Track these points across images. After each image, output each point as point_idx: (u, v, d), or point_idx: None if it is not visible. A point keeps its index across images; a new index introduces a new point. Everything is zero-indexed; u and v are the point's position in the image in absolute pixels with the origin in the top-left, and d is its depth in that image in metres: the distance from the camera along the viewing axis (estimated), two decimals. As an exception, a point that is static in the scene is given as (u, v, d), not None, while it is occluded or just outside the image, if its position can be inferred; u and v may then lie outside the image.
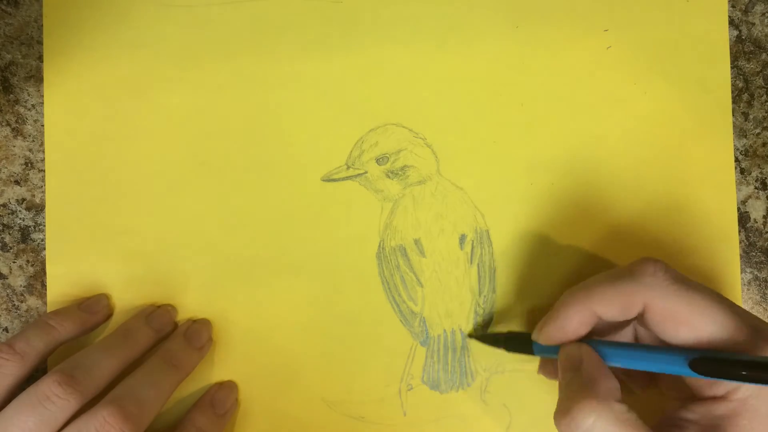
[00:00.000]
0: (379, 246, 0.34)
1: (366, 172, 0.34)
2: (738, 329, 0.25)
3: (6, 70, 0.35)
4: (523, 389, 0.33)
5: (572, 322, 0.28)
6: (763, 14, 0.35)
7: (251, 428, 0.34)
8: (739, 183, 0.34)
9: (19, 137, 0.35)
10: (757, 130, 0.34)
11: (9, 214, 0.35)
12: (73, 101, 0.34)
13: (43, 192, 0.35)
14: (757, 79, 0.34)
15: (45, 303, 0.34)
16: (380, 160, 0.34)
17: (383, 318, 0.34)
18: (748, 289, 0.34)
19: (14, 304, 0.35)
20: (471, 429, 0.34)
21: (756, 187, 0.34)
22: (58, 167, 0.34)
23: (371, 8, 0.34)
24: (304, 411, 0.34)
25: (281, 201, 0.34)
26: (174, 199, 0.34)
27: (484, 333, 0.34)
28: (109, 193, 0.34)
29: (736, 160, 0.34)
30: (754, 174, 0.34)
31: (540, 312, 0.33)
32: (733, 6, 0.34)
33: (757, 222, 0.34)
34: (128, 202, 0.34)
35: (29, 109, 0.35)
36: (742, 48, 0.35)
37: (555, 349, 0.29)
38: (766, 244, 0.34)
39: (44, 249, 0.35)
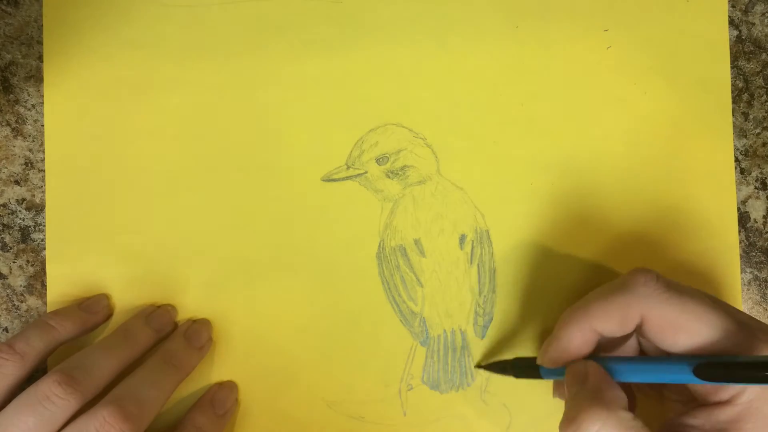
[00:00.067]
0: (379, 246, 0.34)
1: (366, 172, 0.34)
2: (734, 331, 0.25)
3: (6, 70, 0.35)
4: (523, 389, 0.33)
5: (574, 341, 0.28)
6: (763, 14, 0.35)
7: (251, 428, 0.34)
8: (739, 183, 0.34)
9: (19, 137, 0.35)
10: (757, 130, 0.34)
11: (9, 214, 0.35)
12: (73, 101, 0.34)
13: (43, 192, 0.35)
14: (757, 79, 0.34)
15: (45, 303, 0.34)
16: (380, 160, 0.34)
17: (383, 318, 0.34)
18: (748, 289, 0.34)
19: (14, 304, 0.35)
20: (471, 429, 0.34)
21: (756, 187, 0.34)
22: (58, 167, 0.34)
23: (371, 8, 0.34)
24: (304, 411, 0.34)
25: (281, 201, 0.34)
26: (174, 199, 0.34)
27: (491, 362, 0.33)
28: (109, 193, 0.34)
29: (736, 160, 0.34)
30: (754, 174, 0.34)
31: (540, 311, 0.33)
32: (733, 6, 0.34)
33: (757, 222, 0.34)
34: (128, 202, 0.34)
35: (29, 109, 0.35)
36: (742, 48, 0.35)
37: (562, 371, 0.29)
38: (766, 244, 0.34)
39: (44, 249, 0.35)
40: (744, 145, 0.34)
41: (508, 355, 0.33)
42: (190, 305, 0.34)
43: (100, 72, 0.35)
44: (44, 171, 0.35)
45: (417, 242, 0.34)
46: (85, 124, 0.34)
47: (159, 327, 0.33)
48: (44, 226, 0.34)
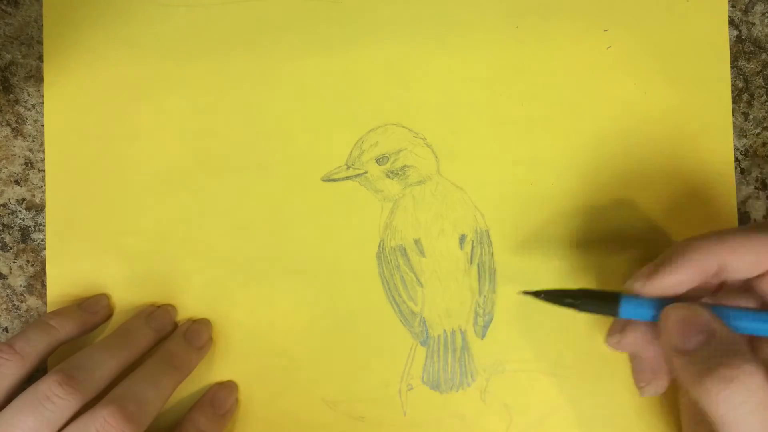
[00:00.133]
0: (379, 246, 0.34)
1: (366, 172, 0.34)
2: None
3: (6, 70, 0.35)
4: (523, 389, 0.33)
5: (693, 269, 0.25)
6: (763, 14, 0.35)
7: (251, 428, 0.34)
8: (739, 183, 0.34)
9: (19, 137, 0.35)
10: (757, 130, 0.34)
11: (9, 214, 0.35)
12: (73, 101, 0.34)
13: (43, 192, 0.35)
14: (757, 79, 0.34)
15: (45, 303, 0.34)
16: (380, 160, 0.34)
17: (383, 318, 0.34)
18: (748, 289, 0.34)
19: (14, 304, 0.35)
20: (471, 429, 0.34)
21: (756, 187, 0.34)
22: (58, 167, 0.34)
23: (371, 8, 0.34)
24: (304, 411, 0.34)
25: (281, 201, 0.34)
26: (174, 199, 0.34)
27: (552, 290, 0.29)
28: (109, 193, 0.34)
29: (736, 160, 0.34)
30: (754, 174, 0.34)
31: (540, 311, 0.33)
32: (733, 6, 0.34)
33: (757, 222, 0.34)
34: (128, 202, 0.34)
35: (29, 109, 0.35)
36: (742, 48, 0.35)
37: (647, 311, 0.26)
38: (766, 244, 0.34)
39: (44, 249, 0.35)
40: (744, 145, 0.34)
41: (509, 357, 0.33)
42: (190, 305, 0.34)
43: (100, 72, 0.35)
44: (44, 171, 0.35)
45: (417, 242, 0.34)
46: (85, 124, 0.34)
47: (159, 327, 0.33)
48: (44, 226, 0.34)
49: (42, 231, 0.35)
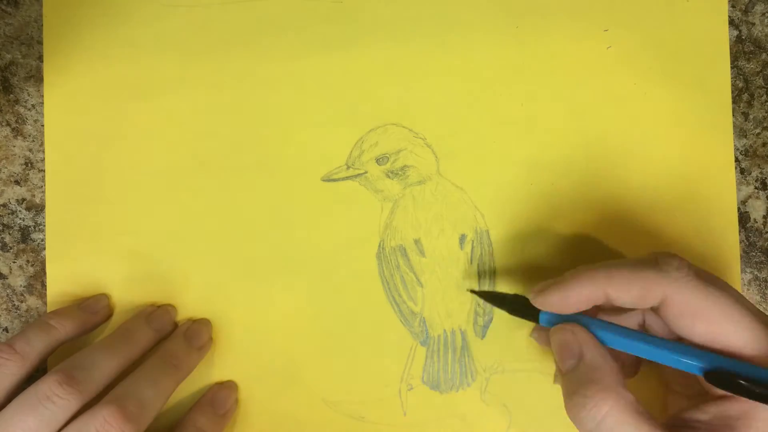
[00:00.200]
0: (379, 246, 0.34)
1: (366, 172, 0.34)
2: (759, 335, 0.25)
3: (6, 70, 0.35)
4: (523, 389, 0.33)
5: (579, 296, 0.27)
6: (763, 14, 0.35)
7: (251, 428, 0.34)
8: (739, 183, 0.34)
9: (19, 137, 0.35)
10: (757, 130, 0.34)
11: (9, 214, 0.35)
12: (73, 101, 0.34)
13: (43, 192, 0.35)
14: (757, 79, 0.34)
15: (45, 303, 0.34)
16: (380, 160, 0.34)
17: (383, 318, 0.34)
18: (748, 289, 0.34)
19: (14, 304, 0.35)
20: (471, 429, 0.34)
21: (756, 187, 0.34)
22: (58, 167, 0.34)
23: (371, 8, 0.34)
24: (304, 411, 0.34)
25: (281, 201, 0.34)
26: (174, 198, 0.34)
27: (490, 291, 0.33)
28: (109, 193, 0.34)
29: (736, 160, 0.34)
30: (754, 174, 0.34)
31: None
32: (733, 6, 0.34)
33: (757, 222, 0.34)
34: (128, 202, 0.34)
35: (29, 109, 0.35)
36: (742, 48, 0.35)
37: (559, 318, 0.28)
38: (766, 244, 0.34)
39: (44, 249, 0.35)
40: (744, 145, 0.34)
41: (509, 357, 0.33)
42: (190, 305, 0.34)
43: (100, 72, 0.35)
44: (44, 171, 0.35)
45: (417, 242, 0.34)
46: (85, 124, 0.34)
47: (159, 327, 0.33)
48: (44, 226, 0.34)
49: (42, 231, 0.35)
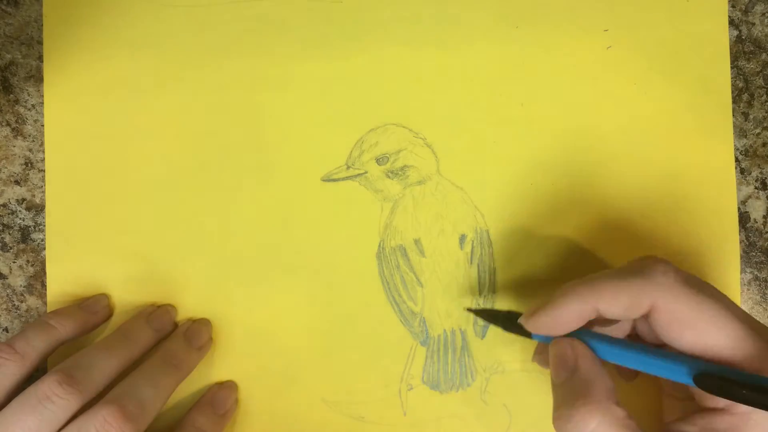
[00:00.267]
0: (379, 246, 0.34)
1: (366, 172, 0.34)
2: (748, 342, 0.24)
3: (6, 70, 0.35)
4: (523, 389, 0.33)
5: (570, 315, 0.27)
6: (763, 14, 0.35)
7: (251, 428, 0.34)
8: (739, 183, 0.34)
9: (19, 137, 0.35)
10: (757, 130, 0.34)
11: (9, 214, 0.35)
12: (73, 101, 0.35)
13: (43, 192, 0.35)
14: (757, 79, 0.34)
15: (45, 303, 0.34)
16: (380, 160, 0.34)
17: (383, 318, 0.34)
18: (748, 289, 0.34)
19: (14, 304, 0.35)
20: (471, 429, 0.34)
21: (756, 187, 0.34)
22: (58, 167, 0.34)
23: (371, 8, 0.34)
24: (304, 411, 0.34)
25: (281, 201, 0.34)
26: (174, 199, 0.34)
27: (485, 308, 0.33)
28: (109, 193, 0.34)
29: (736, 160, 0.34)
30: (754, 174, 0.34)
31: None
32: (733, 6, 0.34)
33: (757, 222, 0.34)
34: (128, 202, 0.34)
35: (29, 109, 0.35)
36: (742, 48, 0.35)
37: (550, 338, 0.28)
38: (766, 244, 0.34)
39: (44, 249, 0.35)
40: (744, 145, 0.34)
41: (509, 357, 0.33)
42: (190, 305, 0.34)
43: (100, 72, 0.35)
44: (44, 171, 0.35)
45: (417, 242, 0.34)
46: (85, 124, 0.34)
47: (159, 327, 0.33)
48: (44, 226, 0.34)
49: (42, 231, 0.35)
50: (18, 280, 0.35)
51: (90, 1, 0.35)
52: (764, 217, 0.34)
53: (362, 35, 0.34)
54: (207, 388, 0.34)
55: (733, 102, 0.34)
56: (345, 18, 0.34)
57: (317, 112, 0.34)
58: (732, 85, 0.34)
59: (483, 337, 0.34)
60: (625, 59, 0.34)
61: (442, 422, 0.34)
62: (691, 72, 0.34)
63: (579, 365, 0.26)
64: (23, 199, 0.35)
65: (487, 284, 0.34)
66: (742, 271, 0.34)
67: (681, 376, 0.25)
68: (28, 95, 0.35)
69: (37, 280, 0.35)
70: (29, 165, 0.35)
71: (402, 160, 0.34)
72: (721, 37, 0.34)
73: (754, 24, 0.35)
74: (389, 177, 0.34)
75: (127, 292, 0.34)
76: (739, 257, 0.34)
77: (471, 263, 0.34)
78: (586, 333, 0.28)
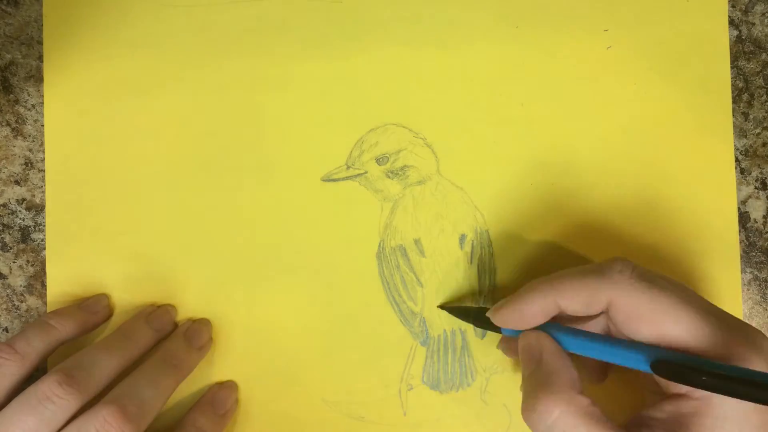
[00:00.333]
0: (379, 246, 0.34)
1: (366, 172, 0.34)
2: (706, 330, 0.25)
3: (6, 70, 0.35)
4: (523, 389, 0.33)
5: (532, 309, 0.28)
6: (763, 14, 0.35)
7: (251, 428, 0.34)
8: (739, 183, 0.34)
9: (19, 137, 0.35)
10: (757, 130, 0.34)
11: (9, 214, 0.35)
12: (73, 101, 0.35)
13: (43, 192, 0.35)
14: (757, 79, 0.34)
15: (45, 303, 0.34)
16: (380, 160, 0.34)
17: (383, 318, 0.34)
18: (748, 289, 0.34)
19: (14, 304, 0.35)
20: (471, 429, 0.34)
21: (756, 187, 0.34)
22: (58, 167, 0.34)
23: (371, 8, 0.34)
24: (304, 411, 0.34)
25: (281, 201, 0.34)
26: (174, 199, 0.34)
27: (456, 305, 0.34)
28: (109, 193, 0.34)
29: (736, 160, 0.34)
30: (754, 174, 0.34)
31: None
32: (733, 6, 0.34)
33: (757, 222, 0.34)
34: (128, 202, 0.34)
35: (29, 109, 0.35)
36: (742, 48, 0.35)
37: (518, 332, 0.29)
38: (766, 244, 0.34)
39: (44, 249, 0.35)
40: (744, 145, 0.34)
41: (510, 360, 0.33)
42: (190, 305, 0.34)
43: (100, 72, 0.35)
44: (44, 171, 0.35)
45: (417, 242, 0.34)
46: (85, 124, 0.34)
47: (159, 327, 0.33)
48: (44, 226, 0.34)
49: (42, 231, 0.35)
50: (18, 280, 0.35)
51: (90, 1, 0.35)
52: (764, 217, 0.34)
53: (362, 35, 0.34)
54: (207, 388, 0.34)
55: (733, 102, 0.34)
56: (345, 18, 0.34)
57: (317, 112, 0.34)
58: (732, 85, 0.34)
59: (483, 337, 0.34)
60: (625, 59, 0.34)
61: (442, 422, 0.34)
62: (691, 72, 0.34)
63: (543, 357, 0.27)
64: (23, 199, 0.35)
65: (487, 284, 0.34)
66: (742, 271, 0.34)
67: (640, 364, 0.26)
68: (28, 95, 0.35)
69: (37, 280, 0.35)
70: (29, 165, 0.35)
71: (402, 160, 0.34)
72: (721, 37, 0.34)
73: (754, 24, 0.35)
74: (389, 177, 0.34)
75: (127, 292, 0.34)
76: (739, 257, 0.34)
77: (471, 263, 0.34)
78: (552, 326, 0.28)
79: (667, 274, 0.28)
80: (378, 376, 0.34)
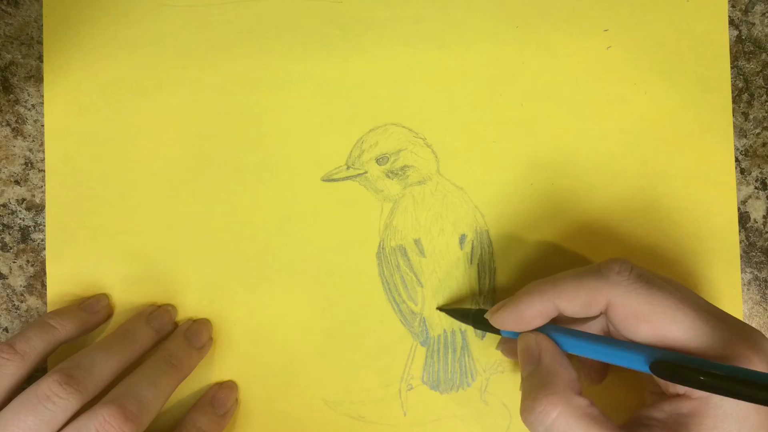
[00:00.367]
0: (379, 246, 0.34)
1: (366, 172, 0.34)
2: (704, 330, 0.25)
3: (6, 70, 0.35)
4: (523, 389, 0.33)
5: (531, 311, 0.28)
6: (763, 14, 0.35)
7: (251, 428, 0.34)
8: (739, 183, 0.34)
9: (19, 137, 0.35)
10: (757, 130, 0.34)
11: (9, 214, 0.35)
12: (73, 101, 0.35)
13: (43, 192, 0.35)
14: (757, 79, 0.34)
15: (45, 303, 0.34)
16: (380, 160, 0.34)
17: (383, 318, 0.34)
18: (748, 289, 0.34)
19: (14, 304, 0.35)
20: (471, 429, 0.34)
21: (756, 187, 0.34)
22: (58, 167, 0.34)
23: (371, 8, 0.34)
24: (304, 411, 0.34)
25: (281, 201, 0.34)
26: (174, 199, 0.34)
27: (454, 307, 0.34)
28: (109, 193, 0.34)
29: (736, 160, 0.34)
30: (754, 174, 0.34)
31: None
32: (733, 6, 0.34)
33: (757, 222, 0.34)
34: (128, 202, 0.34)
35: (29, 109, 0.35)
36: (742, 48, 0.35)
37: (517, 333, 0.29)
38: (766, 244, 0.34)
39: (44, 249, 0.35)
40: (744, 145, 0.34)
41: (510, 360, 0.33)
42: (190, 305, 0.34)
43: (100, 72, 0.35)
44: (44, 171, 0.35)
45: (417, 242, 0.34)
46: (85, 124, 0.34)
47: (159, 327, 0.33)
48: (44, 226, 0.34)
49: (42, 231, 0.35)
50: (18, 280, 0.35)
51: (90, 1, 0.35)
52: (764, 217, 0.34)
53: (362, 35, 0.34)
54: (207, 388, 0.34)
55: (733, 102, 0.34)
56: (345, 18, 0.34)
57: (317, 112, 0.34)
58: (732, 85, 0.34)
59: (483, 337, 0.34)
60: (625, 59, 0.34)
61: (442, 422, 0.34)
62: (691, 72, 0.34)
63: (542, 358, 0.27)
64: (23, 199, 0.35)
65: (487, 284, 0.34)
66: (742, 271, 0.34)
67: (639, 364, 0.26)
68: (28, 95, 0.35)
69: (37, 280, 0.35)
70: (29, 165, 0.35)
71: (402, 160, 0.34)
72: (721, 37, 0.34)
73: (754, 24, 0.35)
74: (389, 177, 0.34)
75: (127, 292, 0.34)
76: (739, 257, 0.34)
77: (471, 263, 0.34)
78: (551, 327, 0.28)
79: (667, 275, 0.28)
80: (378, 376, 0.34)
